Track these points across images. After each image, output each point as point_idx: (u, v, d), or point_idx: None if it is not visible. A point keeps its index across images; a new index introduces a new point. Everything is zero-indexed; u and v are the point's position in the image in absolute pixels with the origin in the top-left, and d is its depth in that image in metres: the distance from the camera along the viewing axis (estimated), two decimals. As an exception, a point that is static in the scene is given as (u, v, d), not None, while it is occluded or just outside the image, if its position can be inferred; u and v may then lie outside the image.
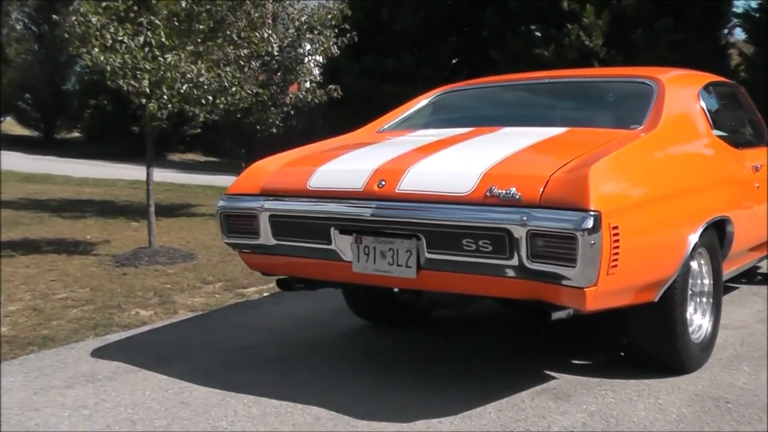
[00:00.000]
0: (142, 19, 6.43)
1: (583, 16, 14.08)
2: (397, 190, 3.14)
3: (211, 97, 6.87)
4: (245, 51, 7.48)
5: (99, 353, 3.99)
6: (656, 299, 3.22)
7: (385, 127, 4.39)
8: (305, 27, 9.40)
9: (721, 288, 3.77)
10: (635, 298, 3.13)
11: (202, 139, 20.87)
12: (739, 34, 15.52)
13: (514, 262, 2.87)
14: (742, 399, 3.24)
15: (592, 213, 2.72)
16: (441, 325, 4.57)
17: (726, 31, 14.77)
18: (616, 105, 4.07)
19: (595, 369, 3.64)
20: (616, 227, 2.78)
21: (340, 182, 3.34)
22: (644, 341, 3.48)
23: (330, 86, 9.85)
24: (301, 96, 9.63)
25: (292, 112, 10.14)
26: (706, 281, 3.68)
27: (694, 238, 3.35)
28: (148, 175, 6.91)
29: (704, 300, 3.67)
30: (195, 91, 6.69)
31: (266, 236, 3.52)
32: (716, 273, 3.71)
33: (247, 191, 3.62)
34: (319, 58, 9.44)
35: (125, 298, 5.23)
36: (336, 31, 9.74)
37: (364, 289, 4.19)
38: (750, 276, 5.42)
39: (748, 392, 3.32)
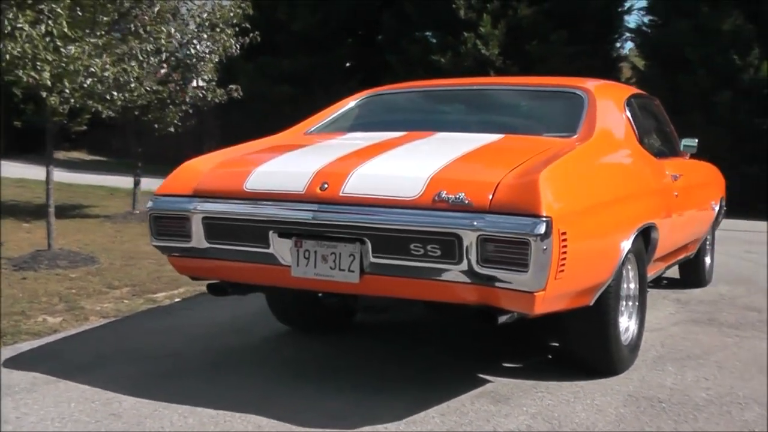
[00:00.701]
0: (43, 6, 6.08)
1: (480, 25, 14.41)
2: (341, 193, 3.08)
3: (115, 93, 6.58)
4: (150, 46, 7.21)
5: (12, 363, 3.72)
6: (592, 303, 3.30)
7: (313, 129, 4.31)
8: (207, 24, 9.15)
9: (645, 291, 3.91)
10: (574, 302, 3.20)
11: (88, 137, 20.01)
12: (628, 46, 16.24)
13: (463, 266, 2.86)
14: (674, 398, 3.36)
15: (544, 218, 2.75)
16: (364, 330, 4.52)
17: (618, 44, 15.46)
18: (548, 113, 4.14)
19: (527, 372, 3.69)
20: (564, 233, 2.83)
21: (279, 184, 3.25)
22: (578, 344, 3.56)
23: (230, 86, 9.64)
24: (201, 95, 9.36)
25: (191, 111, 9.85)
26: (633, 285, 3.80)
27: (627, 244, 3.45)
28: (48, 173, 6.55)
29: (631, 303, 3.79)
30: (99, 86, 6.39)
31: (198, 239, 3.39)
32: (642, 277, 3.84)
33: (179, 192, 3.47)
34: (216, 58, 9.19)
35: (29, 304, 4.92)
36: (236, 29, 9.54)
37: (290, 295, 4.11)
38: (656, 282, 5.66)
39: (679, 392, 3.44)
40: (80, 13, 6.40)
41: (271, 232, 3.21)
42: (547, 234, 2.74)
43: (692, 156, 5.21)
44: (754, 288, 5.94)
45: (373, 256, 3.02)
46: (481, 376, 3.61)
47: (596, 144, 3.59)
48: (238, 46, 9.33)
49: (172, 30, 7.30)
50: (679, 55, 12.44)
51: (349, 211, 3.04)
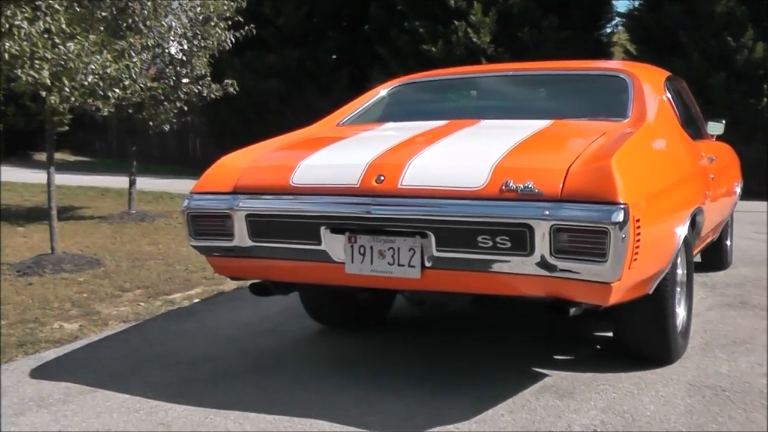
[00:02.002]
0: (40, 2, 5.86)
1: (471, 14, 14.26)
2: (400, 185, 2.93)
3: (118, 91, 6.36)
4: (151, 41, 6.99)
5: (40, 374, 3.55)
6: (651, 291, 3.18)
7: (345, 120, 4.16)
8: (201, 17, 8.93)
9: (692, 277, 3.81)
10: (638, 291, 3.08)
11: (71, 138, 19.64)
12: (617, 30, 16.13)
13: (535, 258, 2.73)
14: (736, 387, 3.26)
15: (622, 206, 2.63)
16: (399, 327, 4.38)
17: (609, 29, 15.38)
18: (593, 97, 4.01)
19: (581, 364, 3.57)
20: (638, 220, 2.71)
21: (330, 178, 3.10)
22: (635, 334, 3.44)
23: (226, 81, 9.43)
24: (196, 91, 9.13)
25: (186, 108, 9.63)
26: (681, 271, 3.70)
27: (683, 230, 3.35)
28: (49, 175, 6.35)
29: (680, 290, 3.69)
30: (101, 83, 6.17)
31: (241, 237, 3.23)
32: (689, 263, 3.74)
33: (218, 189, 3.31)
34: (209, 53, 8.97)
35: (41, 311, 4.73)
36: (229, 23, 9.33)
37: (325, 292, 3.97)
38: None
39: (738, 380, 3.34)
40: (78, 9, 6.18)
41: (322, 228, 3.06)
42: (625, 222, 2.62)
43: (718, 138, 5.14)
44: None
45: (437, 250, 2.87)
46: (536, 370, 3.48)
47: (651, 128, 3.48)
48: (232, 39, 9.11)
49: (173, 23, 7.07)
50: (672, 39, 12.39)
51: (411, 204, 2.89)
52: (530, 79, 4.30)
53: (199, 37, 8.86)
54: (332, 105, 18.50)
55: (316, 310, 4.17)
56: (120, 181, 10.08)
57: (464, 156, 3.11)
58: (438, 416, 2.94)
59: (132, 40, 6.68)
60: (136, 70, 6.54)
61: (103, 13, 6.33)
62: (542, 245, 2.70)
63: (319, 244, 3.09)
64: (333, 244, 3.07)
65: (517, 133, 3.28)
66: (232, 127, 16.43)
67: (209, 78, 9.30)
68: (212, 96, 9.29)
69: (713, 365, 3.54)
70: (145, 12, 6.68)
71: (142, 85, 7.94)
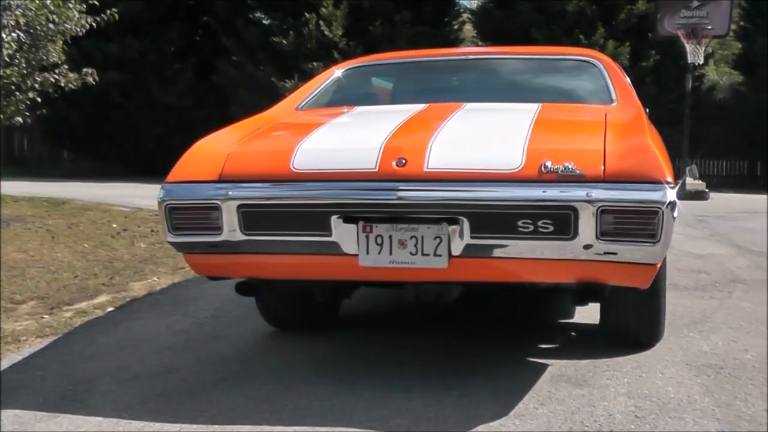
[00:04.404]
0: None
1: (322, 6, 14.07)
2: (426, 169, 2.71)
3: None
4: (12, 21, 6.23)
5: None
6: None
7: (304, 104, 3.84)
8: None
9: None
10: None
11: None
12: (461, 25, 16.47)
13: (579, 242, 2.61)
14: (730, 364, 3.31)
15: (671, 185, 2.57)
16: (355, 324, 4.13)
17: (456, 25, 15.69)
18: (569, 82, 3.96)
19: (568, 352, 3.51)
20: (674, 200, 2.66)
21: (340, 162, 2.81)
22: (629, 318, 3.41)
23: (85, 70, 8.67)
24: (53, 80, 8.29)
25: (39, 100, 8.74)
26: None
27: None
28: None
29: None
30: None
31: (231, 231, 2.87)
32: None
33: (200, 177, 2.92)
34: (63, 38, 8.18)
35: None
36: (84, 6, 8.57)
37: (283, 292, 3.66)
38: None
39: (727, 357, 3.41)
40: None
41: (334, 218, 2.77)
42: (674, 201, 2.56)
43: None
44: (677, 252, 6.15)
45: (472, 237, 2.68)
46: (532, 360, 3.38)
47: (641, 111, 3.47)
48: (92, 24, 8.37)
49: (27, 2, 6.31)
50: (524, 36, 12.82)
51: (443, 188, 2.68)
52: (498, 64, 4.19)
53: (54, 18, 8.05)
54: (178, 99, 17.63)
55: (273, 312, 3.84)
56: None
57: (487, 137, 2.94)
58: (469, 415, 2.75)
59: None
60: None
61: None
62: (587, 228, 2.59)
63: (329, 235, 2.80)
64: (345, 235, 2.79)
65: (520, 115, 3.15)
66: (69, 122, 15.24)
67: (66, 66, 8.50)
68: (71, 86, 8.49)
69: (693, 345, 3.59)
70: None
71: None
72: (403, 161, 2.73)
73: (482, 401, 2.87)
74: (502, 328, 4.05)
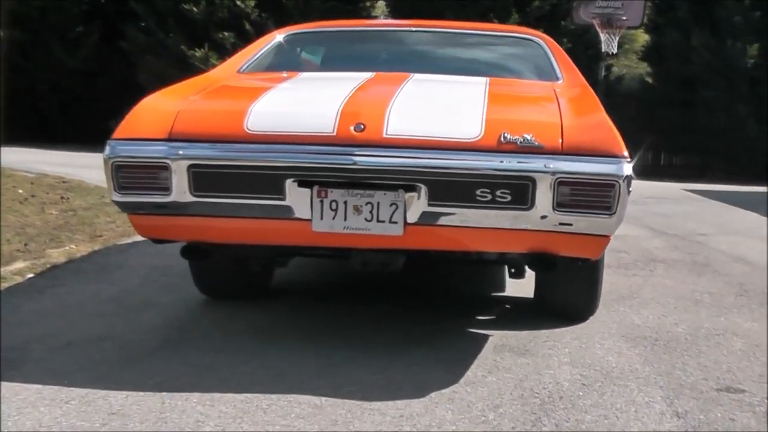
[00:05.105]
0: None
1: (235, -24, 13.81)
2: (386, 135, 2.68)
3: None
4: None
5: None
6: None
7: (245, 67, 3.73)
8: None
9: None
10: None
11: None
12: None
13: (535, 212, 2.64)
14: (664, 336, 3.44)
15: (627, 159, 2.63)
16: (290, 294, 4.08)
17: (369, 3, 15.63)
18: (513, 58, 3.99)
19: (507, 323, 3.57)
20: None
21: (296, 125, 2.75)
22: (567, 292, 3.48)
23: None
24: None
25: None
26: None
27: None
28: None
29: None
30: None
31: (181, 192, 2.77)
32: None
33: (149, 135, 2.80)
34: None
35: None
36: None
37: (218, 260, 3.57)
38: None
39: (660, 330, 3.53)
40: None
41: (289, 181, 2.72)
42: (630, 175, 2.62)
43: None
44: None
45: (429, 204, 2.67)
46: (472, 331, 3.42)
47: (588, 88, 3.53)
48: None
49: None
50: (437, 18, 12.86)
51: (402, 155, 2.65)
52: (444, 37, 4.18)
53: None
54: (82, 64, 16.92)
55: (206, 280, 3.75)
56: None
57: (443, 107, 2.93)
58: (419, 382, 2.76)
59: None
60: None
61: None
62: (544, 199, 2.63)
63: (283, 199, 2.74)
64: (299, 200, 2.74)
65: (471, 87, 3.17)
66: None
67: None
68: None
69: (626, 318, 3.71)
70: None
71: None
72: (362, 126, 2.70)
73: (430, 370, 2.89)
74: (437, 300, 4.08)
